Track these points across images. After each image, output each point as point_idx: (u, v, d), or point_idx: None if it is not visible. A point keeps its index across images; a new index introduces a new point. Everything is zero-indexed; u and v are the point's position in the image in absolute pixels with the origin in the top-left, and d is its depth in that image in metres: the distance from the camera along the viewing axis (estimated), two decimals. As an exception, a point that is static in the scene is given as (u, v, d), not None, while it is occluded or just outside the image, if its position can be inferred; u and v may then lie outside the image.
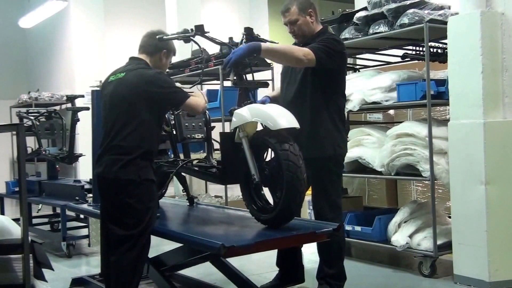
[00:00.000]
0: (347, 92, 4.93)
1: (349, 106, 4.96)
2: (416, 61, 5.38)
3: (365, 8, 4.92)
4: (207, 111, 3.79)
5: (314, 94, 3.53)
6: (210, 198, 6.98)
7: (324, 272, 3.67)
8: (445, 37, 4.30)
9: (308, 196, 3.71)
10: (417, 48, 5.13)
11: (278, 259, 3.95)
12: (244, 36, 3.32)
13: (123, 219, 3.05)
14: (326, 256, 3.68)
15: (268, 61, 6.36)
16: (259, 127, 3.09)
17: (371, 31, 4.77)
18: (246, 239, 2.91)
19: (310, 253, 4.21)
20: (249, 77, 3.36)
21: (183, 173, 4.05)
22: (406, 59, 5.37)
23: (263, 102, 3.55)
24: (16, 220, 3.36)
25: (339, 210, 3.64)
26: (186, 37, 3.35)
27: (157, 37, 3.38)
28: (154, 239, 3.20)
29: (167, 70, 7.14)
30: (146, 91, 3.10)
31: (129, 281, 3.06)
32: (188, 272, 4.16)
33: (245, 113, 2.98)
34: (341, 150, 3.64)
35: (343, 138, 3.70)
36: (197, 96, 3.28)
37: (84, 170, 8.67)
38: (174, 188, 7.36)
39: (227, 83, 5.42)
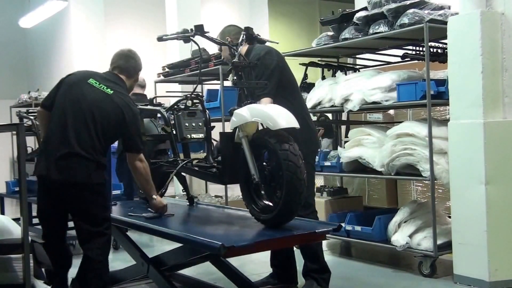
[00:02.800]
0: (347, 92, 4.98)
1: (349, 106, 4.97)
2: (416, 61, 5.38)
3: (365, 8, 4.92)
4: (207, 111, 3.80)
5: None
6: (210, 198, 6.98)
7: (308, 268, 3.77)
8: (445, 37, 4.30)
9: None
10: (417, 48, 5.13)
11: (271, 259, 4.00)
12: (244, 36, 3.32)
13: (95, 216, 3.25)
14: (307, 253, 3.77)
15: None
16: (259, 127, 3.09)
17: (371, 31, 4.77)
18: (246, 239, 2.91)
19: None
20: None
21: (183, 173, 4.05)
22: (406, 59, 5.37)
23: None
24: (16, 220, 3.36)
25: (311, 208, 3.70)
26: (186, 37, 3.36)
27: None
28: (154, 239, 3.21)
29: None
30: (122, 124, 3.32)
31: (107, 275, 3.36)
32: (188, 271, 4.16)
33: (245, 113, 2.98)
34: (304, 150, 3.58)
35: (307, 137, 3.66)
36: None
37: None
38: (174, 188, 7.36)
39: (227, 83, 5.42)
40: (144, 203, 4.13)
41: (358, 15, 4.89)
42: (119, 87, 3.44)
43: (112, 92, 3.35)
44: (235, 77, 3.21)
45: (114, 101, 3.32)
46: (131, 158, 3.40)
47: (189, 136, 3.66)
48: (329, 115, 7.16)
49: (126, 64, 3.56)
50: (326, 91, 5.23)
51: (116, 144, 4.84)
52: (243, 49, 3.64)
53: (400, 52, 5.34)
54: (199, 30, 3.33)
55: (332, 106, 5.18)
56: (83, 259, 3.27)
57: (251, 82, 3.32)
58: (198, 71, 6.33)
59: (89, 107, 3.26)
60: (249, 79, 3.34)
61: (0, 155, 11.49)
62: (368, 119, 7.03)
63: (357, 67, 6.17)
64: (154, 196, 3.55)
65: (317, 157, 4.61)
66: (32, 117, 6.71)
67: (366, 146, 4.91)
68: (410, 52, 5.22)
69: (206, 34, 3.36)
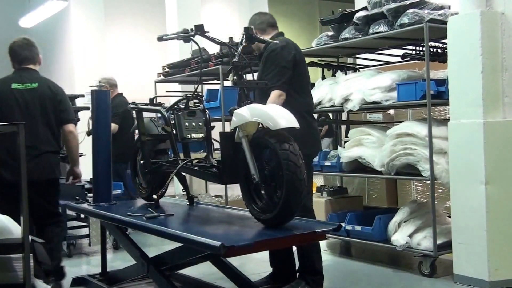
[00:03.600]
0: (347, 92, 4.98)
1: (349, 106, 4.97)
2: (416, 61, 5.38)
3: (365, 8, 4.92)
4: (207, 111, 3.80)
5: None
6: (210, 198, 6.98)
7: (301, 268, 3.80)
8: (445, 37, 4.31)
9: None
10: (417, 48, 5.13)
11: (270, 259, 4.01)
12: (244, 36, 3.32)
13: (56, 200, 4.06)
14: (300, 253, 3.79)
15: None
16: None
17: (371, 31, 4.77)
18: (246, 238, 2.91)
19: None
20: (249, 77, 3.37)
21: (183, 173, 4.05)
22: (406, 59, 5.37)
23: None
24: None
25: (307, 209, 3.67)
26: (186, 37, 3.36)
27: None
28: (154, 239, 3.21)
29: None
30: (59, 102, 3.87)
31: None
32: (188, 271, 4.16)
33: (245, 113, 2.98)
34: (305, 150, 3.36)
35: (309, 138, 3.67)
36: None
37: (85, 170, 8.68)
38: (174, 187, 7.37)
39: (227, 83, 5.43)
40: (144, 203, 4.13)
41: (358, 15, 4.89)
42: (37, 76, 3.90)
43: (37, 84, 3.83)
44: (235, 77, 3.21)
45: (44, 90, 3.82)
46: (68, 127, 3.92)
47: (189, 136, 3.66)
48: (329, 115, 7.17)
49: (32, 54, 3.97)
50: (326, 91, 5.23)
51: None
52: (260, 44, 3.72)
53: (400, 52, 5.34)
54: (199, 30, 3.33)
55: (332, 106, 5.18)
56: (47, 237, 3.69)
57: (251, 82, 3.32)
58: (198, 71, 6.33)
59: (34, 109, 3.74)
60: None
61: (0, 155, 11.48)
62: (368, 119, 7.03)
63: (357, 67, 6.17)
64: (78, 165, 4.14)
65: (316, 157, 4.62)
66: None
67: (366, 146, 4.91)
68: (410, 52, 5.22)
69: (206, 34, 3.36)
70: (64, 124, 3.92)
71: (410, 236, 4.48)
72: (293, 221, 3.03)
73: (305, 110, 3.76)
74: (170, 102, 4.99)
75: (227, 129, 3.86)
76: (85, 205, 4.42)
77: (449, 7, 4.58)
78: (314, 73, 6.23)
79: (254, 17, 4.01)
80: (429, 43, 4.41)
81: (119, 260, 5.00)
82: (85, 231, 5.84)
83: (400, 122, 5.06)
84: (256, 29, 3.83)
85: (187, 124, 3.66)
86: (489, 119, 3.95)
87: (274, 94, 3.59)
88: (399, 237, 4.49)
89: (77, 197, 5.06)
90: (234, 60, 3.21)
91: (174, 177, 3.97)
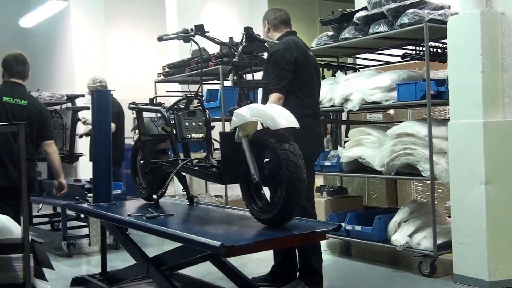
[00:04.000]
0: (347, 91, 4.98)
1: (349, 106, 4.97)
2: (416, 61, 5.38)
3: (365, 8, 4.92)
4: (207, 111, 3.80)
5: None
6: (210, 198, 6.98)
7: (299, 267, 3.82)
8: (445, 37, 4.31)
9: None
10: (417, 48, 5.14)
11: (274, 255, 4.05)
12: (244, 36, 3.32)
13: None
14: (299, 253, 3.80)
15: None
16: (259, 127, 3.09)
17: (371, 31, 4.77)
18: (245, 238, 2.91)
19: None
20: (249, 77, 3.37)
21: (183, 173, 4.05)
22: (406, 59, 5.38)
23: None
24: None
25: (305, 210, 3.55)
26: (186, 37, 3.36)
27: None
28: (154, 239, 3.21)
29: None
30: (43, 121, 4.11)
31: None
32: (188, 271, 4.16)
33: (245, 113, 2.99)
34: (305, 152, 3.19)
35: (306, 137, 3.62)
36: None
37: (84, 170, 8.68)
38: (174, 187, 7.37)
39: (227, 83, 5.43)
40: (144, 203, 4.13)
41: (358, 15, 4.89)
42: (25, 92, 4.12)
43: (26, 102, 4.04)
44: (235, 77, 3.21)
45: (31, 108, 4.03)
46: (50, 143, 4.18)
47: (189, 135, 3.66)
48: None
49: (24, 69, 4.12)
50: (326, 91, 5.23)
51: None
52: (269, 44, 3.77)
53: (400, 52, 5.34)
54: (199, 30, 3.33)
55: (332, 106, 5.18)
56: None
57: (251, 81, 3.32)
58: (198, 71, 6.33)
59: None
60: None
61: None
62: (368, 119, 7.03)
63: (357, 67, 6.17)
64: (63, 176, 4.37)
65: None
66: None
67: (366, 146, 4.91)
68: (410, 52, 5.22)
69: (206, 34, 3.36)
70: (44, 140, 4.18)
71: (410, 236, 4.48)
72: (293, 221, 3.04)
73: (306, 112, 3.75)
74: (170, 102, 4.98)
75: (227, 129, 3.86)
76: (85, 205, 4.42)
77: (449, 7, 4.58)
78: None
79: (269, 12, 4.03)
80: (429, 43, 4.41)
81: (119, 260, 5.00)
82: (85, 231, 5.84)
83: (400, 122, 5.06)
84: (269, 24, 3.88)
85: (187, 124, 3.66)
86: (489, 119, 3.95)
87: (274, 97, 3.60)
88: (399, 237, 4.49)
89: (77, 197, 5.06)
90: (234, 60, 3.21)
91: (174, 177, 3.97)
